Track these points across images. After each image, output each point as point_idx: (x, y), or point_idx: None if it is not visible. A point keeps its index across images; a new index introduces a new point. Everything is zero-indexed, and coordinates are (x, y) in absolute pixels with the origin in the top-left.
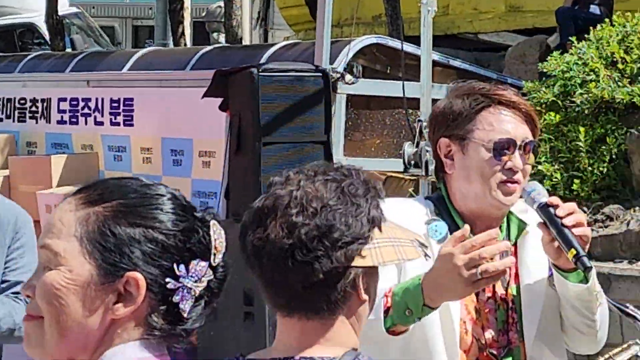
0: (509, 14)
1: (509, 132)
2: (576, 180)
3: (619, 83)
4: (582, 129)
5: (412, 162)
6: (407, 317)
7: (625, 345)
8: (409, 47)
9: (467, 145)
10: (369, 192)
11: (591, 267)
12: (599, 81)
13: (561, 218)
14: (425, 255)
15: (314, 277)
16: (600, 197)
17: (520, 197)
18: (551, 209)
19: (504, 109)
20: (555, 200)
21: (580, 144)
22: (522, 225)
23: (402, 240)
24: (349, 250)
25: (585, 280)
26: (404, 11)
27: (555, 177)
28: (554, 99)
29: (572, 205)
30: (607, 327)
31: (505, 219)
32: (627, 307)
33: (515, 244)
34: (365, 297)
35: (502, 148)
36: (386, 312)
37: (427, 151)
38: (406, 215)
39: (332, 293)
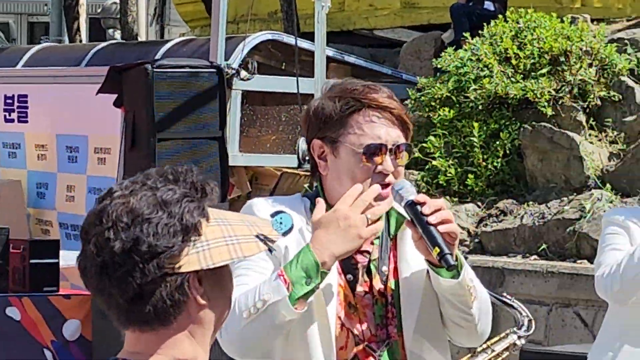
0: (404, 10)
1: (380, 136)
2: (470, 175)
3: (513, 79)
4: (476, 124)
5: (307, 158)
6: (307, 286)
7: (503, 334)
8: (303, 44)
9: (338, 148)
10: (186, 196)
11: (454, 266)
12: (492, 77)
13: (427, 216)
14: (270, 249)
15: (132, 292)
16: (494, 192)
17: None
18: (418, 207)
19: (375, 112)
20: (422, 197)
21: (474, 139)
22: (400, 219)
23: (241, 237)
24: (161, 259)
25: (458, 274)
26: (299, 7)
27: (450, 173)
28: (448, 94)
29: (439, 203)
30: (489, 320)
31: (384, 213)
32: (504, 296)
33: (394, 238)
34: (203, 301)
35: (372, 153)
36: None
37: None
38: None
39: (158, 304)
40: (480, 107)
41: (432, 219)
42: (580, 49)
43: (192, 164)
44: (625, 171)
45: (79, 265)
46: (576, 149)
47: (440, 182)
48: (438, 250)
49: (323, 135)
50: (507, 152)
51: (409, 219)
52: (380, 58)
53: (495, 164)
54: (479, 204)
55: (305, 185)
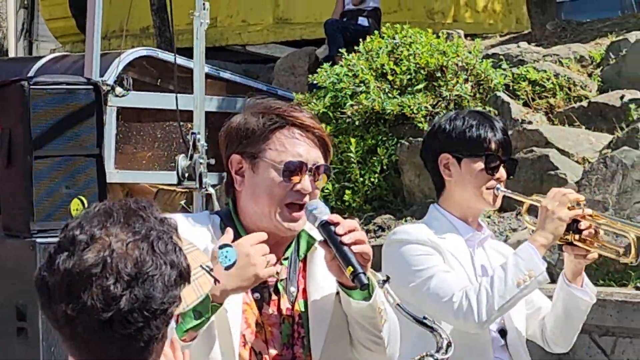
0: (277, 26)
1: (301, 155)
2: (348, 191)
3: (389, 94)
4: (353, 140)
5: (186, 175)
6: (196, 320)
7: (418, 357)
8: (180, 60)
9: (258, 164)
10: (174, 243)
11: (368, 285)
12: (369, 92)
13: (340, 236)
14: (215, 280)
15: (137, 346)
16: (371, 208)
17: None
18: (332, 227)
19: (298, 131)
20: (335, 218)
21: (352, 155)
22: (311, 241)
23: (195, 272)
24: (168, 315)
25: (369, 296)
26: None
27: (327, 188)
28: (325, 110)
29: (353, 223)
30: (398, 343)
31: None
32: (425, 318)
33: (304, 259)
34: (167, 336)
35: (292, 170)
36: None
37: (200, 164)
38: (189, 234)
39: (147, 351)
40: (357, 123)
41: (346, 239)
42: (456, 65)
43: (70, 181)
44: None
45: (66, 315)
46: None
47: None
48: (352, 269)
49: (243, 150)
50: (385, 167)
51: (322, 239)
52: (254, 74)
53: (372, 179)
54: (357, 219)
55: (182, 202)
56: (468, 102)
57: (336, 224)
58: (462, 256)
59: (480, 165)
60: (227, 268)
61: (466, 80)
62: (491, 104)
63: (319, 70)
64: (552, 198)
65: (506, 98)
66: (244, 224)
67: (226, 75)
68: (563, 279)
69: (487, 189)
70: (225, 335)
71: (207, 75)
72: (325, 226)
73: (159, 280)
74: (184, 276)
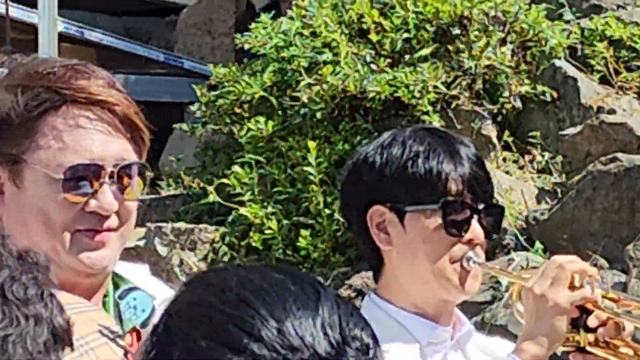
0: None
1: (93, 151)
2: (304, 231)
3: (372, 66)
4: (312, 144)
5: None
6: None
7: None
8: (16, 11)
9: (22, 172)
10: (39, 286)
11: None
12: (339, 63)
13: None
14: (126, 352)
15: None
16: (345, 260)
17: None
18: None
19: (84, 112)
20: None
21: (311, 170)
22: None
23: (89, 339)
24: None
25: None
26: None
27: (270, 227)
28: (265, 94)
29: None
30: None
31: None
32: None
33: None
34: None
35: (79, 179)
36: None
37: None
38: None
39: None
40: (318, 116)
41: None
42: (487, 15)
43: None
44: (566, 220)
45: None
46: None
47: (255, 243)
48: None
49: None
50: None
51: None
52: (144, 32)
53: None
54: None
55: None
56: (507, 77)
57: None
58: None
59: (436, 220)
60: (144, 324)
61: (504, 42)
62: (546, 81)
63: (253, 25)
64: (543, 274)
65: (571, 70)
66: None
67: (95, 36)
68: None
69: (453, 261)
70: None
71: (63, 37)
72: None
73: (16, 344)
74: (60, 337)
